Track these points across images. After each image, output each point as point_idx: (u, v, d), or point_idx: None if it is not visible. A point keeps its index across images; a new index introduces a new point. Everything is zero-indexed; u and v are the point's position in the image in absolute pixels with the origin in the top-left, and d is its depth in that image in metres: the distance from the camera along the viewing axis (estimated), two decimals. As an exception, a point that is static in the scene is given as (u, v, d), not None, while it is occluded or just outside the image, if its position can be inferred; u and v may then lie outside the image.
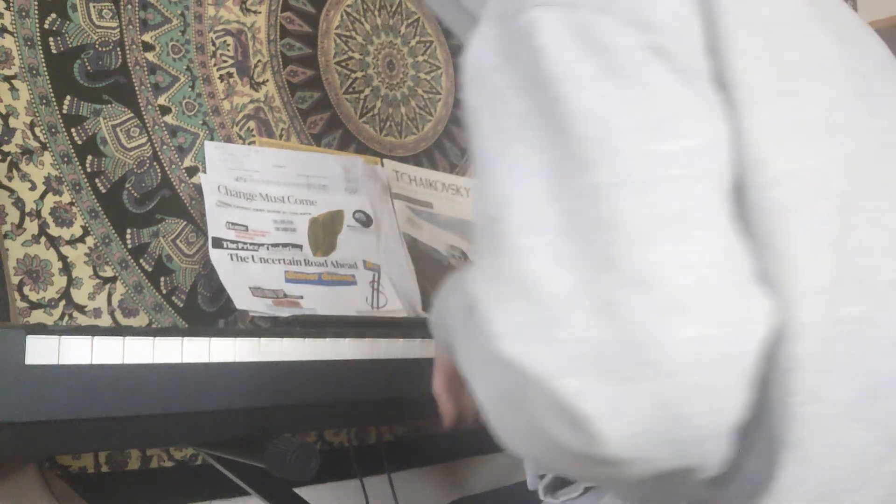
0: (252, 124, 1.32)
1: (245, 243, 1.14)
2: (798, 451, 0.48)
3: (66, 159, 1.11)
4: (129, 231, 1.14)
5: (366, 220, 1.29)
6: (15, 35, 1.09)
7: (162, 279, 1.16)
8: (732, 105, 0.49)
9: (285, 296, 1.12)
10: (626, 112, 0.46)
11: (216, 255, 1.10)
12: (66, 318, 1.06)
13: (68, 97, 1.12)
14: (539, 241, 0.46)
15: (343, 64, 1.47)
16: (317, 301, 1.15)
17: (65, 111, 1.12)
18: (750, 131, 0.48)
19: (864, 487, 0.51)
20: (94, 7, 1.17)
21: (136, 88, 1.20)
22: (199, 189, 1.20)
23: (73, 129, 1.12)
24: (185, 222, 1.20)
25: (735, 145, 0.48)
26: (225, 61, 1.31)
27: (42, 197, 1.07)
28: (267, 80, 1.35)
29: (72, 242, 1.09)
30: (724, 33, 0.49)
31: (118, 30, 1.20)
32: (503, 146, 0.49)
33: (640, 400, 0.43)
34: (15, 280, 1.02)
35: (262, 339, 0.79)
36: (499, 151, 0.49)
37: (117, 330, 0.69)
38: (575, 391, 0.43)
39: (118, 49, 1.19)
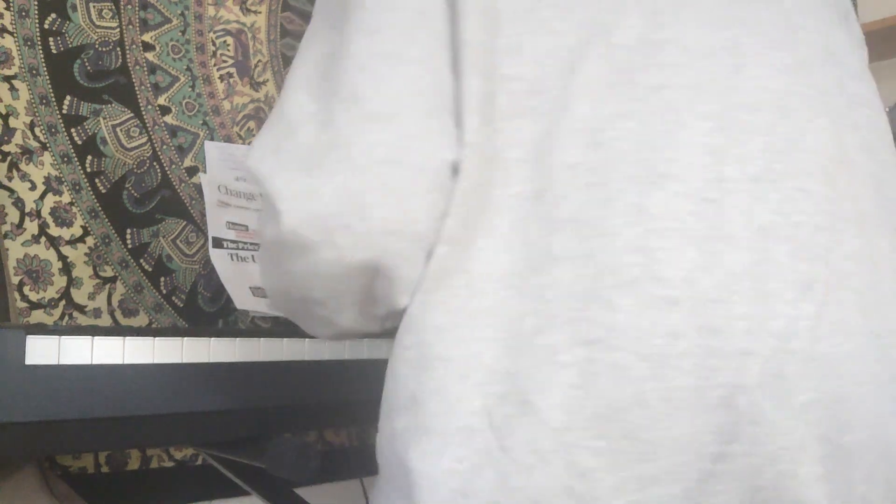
0: (252, 124, 1.32)
1: (245, 243, 1.14)
2: (426, 293, 0.52)
3: (66, 159, 1.11)
4: (129, 231, 1.14)
5: (366, 220, 1.29)
6: (15, 35, 1.09)
7: (162, 279, 1.16)
8: None
9: (285, 296, 1.12)
10: None
11: (216, 255, 1.10)
12: (66, 318, 1.06)
13: (68, 97, 1.12)
14: (304, 83, 0.56)
15: (343, 64, 1.47)
16: (317, 301, 1.15)
17: (65, 111, 1.12)
18: (458, 5, 0.56)
19: (517, 359, 0.49)
20: (94, 7, 1.17)
21: (136, 88, 1.20)
22: (199, 189, 1.20)
23: (73, 129, 1.12)
24: (185, 222, 1.20)
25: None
26: (225, 61, 1.31)
27: (42, 197, 1.07)
28: (267, 80, 1.35)
29: (72, 242, 1.09)
30: None
31: (118, 30, 1.20)
32: (314, 28, 0.60)
33: (330, 188, 0.51)
34: (15, 280, 1.02)
35: (262, 339, 0.79)
36: (312, 34, 0.60)
37: (117, 330, 0.69)
38: (281, 183, 0.52)
39: (118, 49, 1.19)
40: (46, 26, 1.12)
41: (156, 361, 0.70)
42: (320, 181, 0.51)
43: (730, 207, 0.51)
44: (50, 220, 1.07)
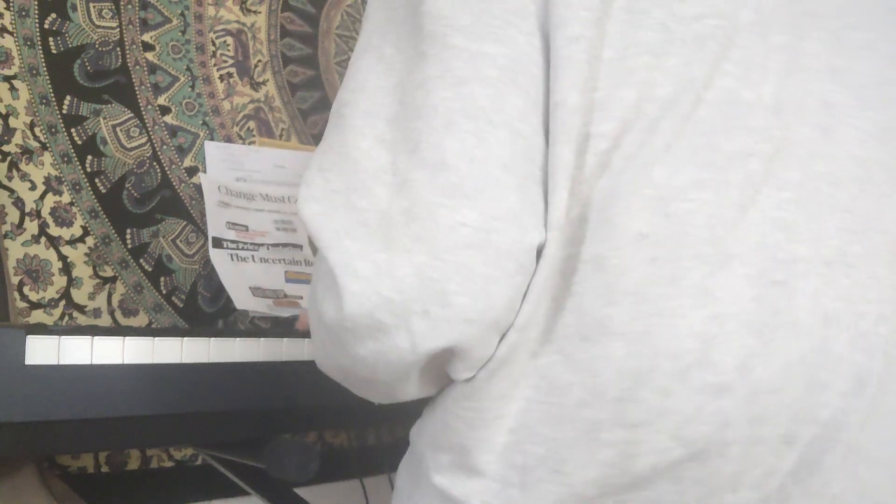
0: (252, 124, 1.32)
1: (245, 243, 1.14)
2: (491, 370, 0.50)
3: (66, 159, 1.11)
4: (129, 231, 1.14)
5: (366, 221, 1.29)
6: (15, 35, 1.09)
7: (162, 279, 1.16)
8: (546, 37, 0.52)
9: (285, 296, 1.12)
10: (464, 13, 0.50)
11: (216, 255, 1.10)
12: (66, 318, 1.06)
13: (68, 97, 1.12)
14: (372, 124, 0.50)
15: (343, 64, 1.47)
16: (317, 301, 1.14)
17: (65, 111, 1.12)
18: (553, 59, 0.51)
19: (559, 425, 0.49)
20: (94, 7, 1.17)
21: (136, 88, 1.20)
22: (199, 189, 1.20)
23: (73, 129, 1.12)
24: (185, 222, 1.20)
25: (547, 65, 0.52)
26: (225, 61, 1.31)
27: (42, 197, 1.07)
28: (267, 80, 1.35)
29: (72, 242, 1.09)
30: None
31: (118, 30, 1.20)
32: (378, 45, 0.54)
33: (408, 269, 0.46)
34: (15, 280, 1.02)
35: (262, 339, 0.79)
36: (372, 48, 0.54)
37: (117, 330, 0.69)
38: (353, 252, 0.47)
39: (118, 49, 1.19)
40: (46, 26, 1.12)
41: (156, 361, 0.70)
42: (397, 259, 0.46)
43: (797, 292, 0.49)
44: (50, 220, 1.07)
